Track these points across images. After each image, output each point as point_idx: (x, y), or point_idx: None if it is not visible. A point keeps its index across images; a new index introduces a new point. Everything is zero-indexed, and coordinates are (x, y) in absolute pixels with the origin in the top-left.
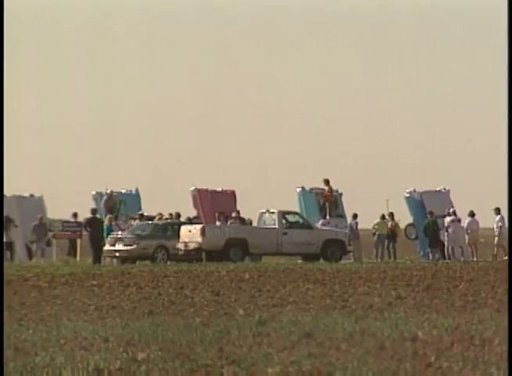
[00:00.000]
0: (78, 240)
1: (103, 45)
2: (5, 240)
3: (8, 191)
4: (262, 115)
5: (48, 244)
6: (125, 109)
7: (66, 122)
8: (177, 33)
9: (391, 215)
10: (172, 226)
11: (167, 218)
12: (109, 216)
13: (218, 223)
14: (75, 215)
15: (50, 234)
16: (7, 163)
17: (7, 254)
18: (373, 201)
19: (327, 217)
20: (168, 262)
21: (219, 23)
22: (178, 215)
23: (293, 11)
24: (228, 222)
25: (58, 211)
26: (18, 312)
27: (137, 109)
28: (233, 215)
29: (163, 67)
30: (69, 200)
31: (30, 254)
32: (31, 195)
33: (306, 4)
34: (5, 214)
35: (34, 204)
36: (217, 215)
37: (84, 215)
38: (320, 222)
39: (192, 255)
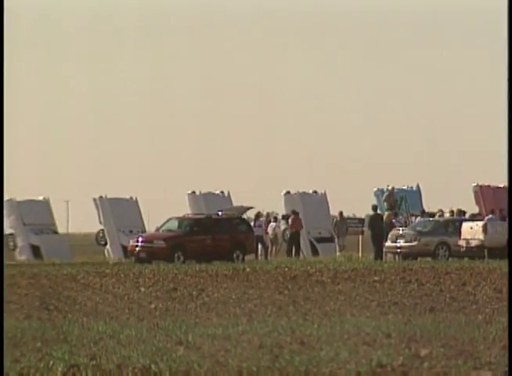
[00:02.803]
0: (360, 237)
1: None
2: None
3: (293, 188)
4: None
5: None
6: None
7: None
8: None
9: None
10: (454, 223)
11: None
12: (388, 212)
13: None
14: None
15: None
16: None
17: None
18: None
19: None
20: (450, 259)
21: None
22: (460, 212)
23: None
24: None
25: (340, 207)
26: (303, 307)
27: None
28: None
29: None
30: (350, 197)
31: (313, 250)
32: (315, 191)
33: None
34: (291, 209)
35: (318, 200)
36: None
37: (365, 211)
38: None
39: (474, 252)
